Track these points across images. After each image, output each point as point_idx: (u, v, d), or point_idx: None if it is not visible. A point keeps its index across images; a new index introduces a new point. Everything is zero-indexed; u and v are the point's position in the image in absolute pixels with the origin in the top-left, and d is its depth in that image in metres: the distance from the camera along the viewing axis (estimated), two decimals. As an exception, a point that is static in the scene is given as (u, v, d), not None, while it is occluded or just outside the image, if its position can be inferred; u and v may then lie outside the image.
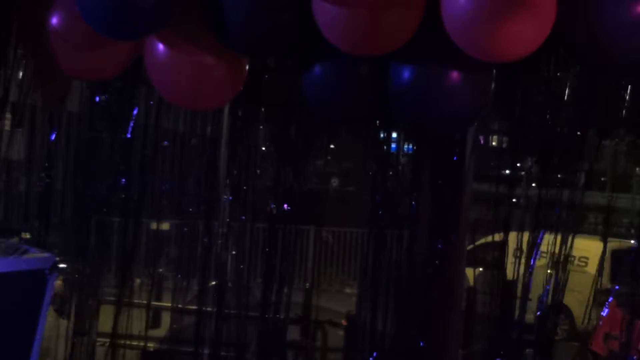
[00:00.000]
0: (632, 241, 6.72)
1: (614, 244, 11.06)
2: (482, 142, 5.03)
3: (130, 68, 4.36)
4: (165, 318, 8.28)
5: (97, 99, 5.42)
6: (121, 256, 5.89)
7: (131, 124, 5.47)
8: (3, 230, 4.47)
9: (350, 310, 7.50)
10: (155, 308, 10.02)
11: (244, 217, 6.06)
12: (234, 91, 4.21)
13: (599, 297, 6.12)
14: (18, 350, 3.67)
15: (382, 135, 5.35)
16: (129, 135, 5.51)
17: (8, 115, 5.28)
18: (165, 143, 5.95)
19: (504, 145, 5.78)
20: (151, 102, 5.49)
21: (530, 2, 3.19)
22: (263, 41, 3.75)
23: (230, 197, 5.96)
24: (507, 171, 5.34)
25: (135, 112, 5.46)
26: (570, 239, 5.18)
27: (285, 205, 5.74)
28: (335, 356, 7.81)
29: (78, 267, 5.73)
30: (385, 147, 5.38)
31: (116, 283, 5.93)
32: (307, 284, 8.53)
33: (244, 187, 5.94)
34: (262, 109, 5.65)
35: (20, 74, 4.83)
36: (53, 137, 5.26)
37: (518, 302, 5.33)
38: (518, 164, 5.39)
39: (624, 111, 4.99)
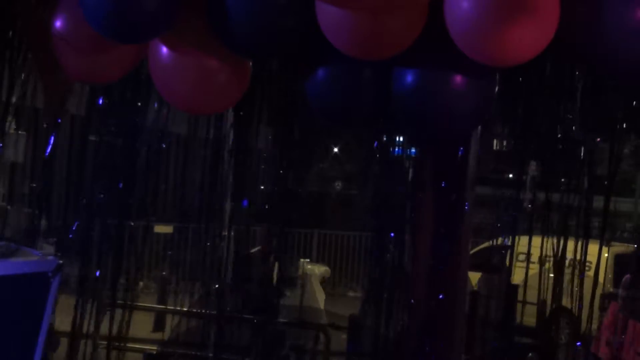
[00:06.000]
0: (635, 245, 6.72)
1: (617, 248, 11.06)
2: (485, 145, 5.02)
3: (132, 71, 4.36)
4: (169, 321, 8.28)
5: (100, 101, 5.40)
6: (124, 259, 5.89)
7: (133, 127, 5.46)
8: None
9: (352, 314, 7.50)
10: (158, 311, 10.06)
11: (246, 221, 6.05)
12: (238, 94, 4.20)
13: (602, 301, 6.11)
14: (21, 353, 3.67)
15: (385, 138, 5.34)
16: (131, 138, 5.50)
17: (10, 118, 5.27)
18: (163, 145, 5.92)
19: (507, 149, 5.78)
20: (155, 105, 5.48)
21: (533, 7, 3.19)
22: (266, 44, 3.74)
23: (233, 201, 5.94)
24: (511, 175, 5.34)
25: (137, 115, 5.45)
26: (572, 243, 5.18)
27: (288, 209, 5.74)
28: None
29: (80, 270, 5.72)
30: (388, 151, 5.37)
31: (119, 286, 5.92)
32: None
33: (247, 191, 5.93)
34: (266, 112, 5.64)
35: (23, 76, 4.82)
36: (52, 139, 5.25)
37: (520, 306, 5.33)
38: (521, 168, 5.38)
39: (626, 114, 4.98)
